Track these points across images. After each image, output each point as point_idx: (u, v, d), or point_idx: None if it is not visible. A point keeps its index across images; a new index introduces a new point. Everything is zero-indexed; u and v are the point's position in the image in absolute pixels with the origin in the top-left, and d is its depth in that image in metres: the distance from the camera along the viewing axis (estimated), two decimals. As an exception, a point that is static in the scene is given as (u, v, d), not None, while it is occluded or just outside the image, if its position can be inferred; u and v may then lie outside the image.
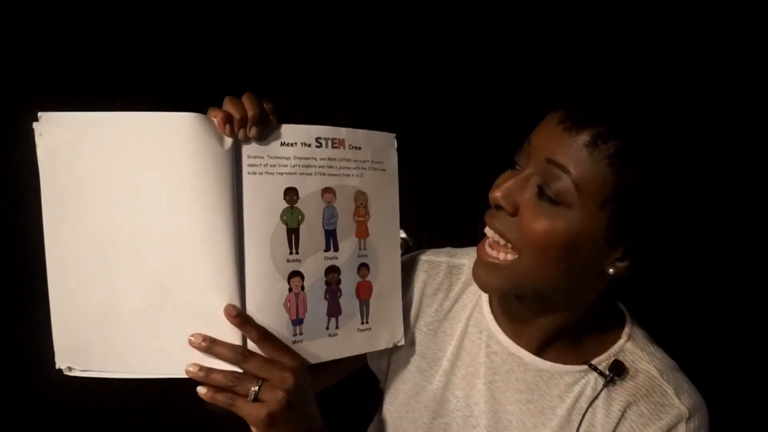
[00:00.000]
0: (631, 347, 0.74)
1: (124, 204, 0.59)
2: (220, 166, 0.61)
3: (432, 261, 0.85)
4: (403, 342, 0.78)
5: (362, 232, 0.73)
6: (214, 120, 0.60)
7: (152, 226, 0.59)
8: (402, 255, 0.79)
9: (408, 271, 0.83)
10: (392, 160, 0.76)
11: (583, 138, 0.60)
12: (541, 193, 0.62)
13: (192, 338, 0.59)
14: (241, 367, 0.61)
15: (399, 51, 1.52)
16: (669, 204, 0.63)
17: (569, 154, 0.60)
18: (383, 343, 0.76)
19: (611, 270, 0.65)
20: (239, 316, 0.61)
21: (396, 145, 0.76)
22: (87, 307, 0.59)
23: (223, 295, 0.61)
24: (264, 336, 0.62)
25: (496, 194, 0.65)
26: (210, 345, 0.60)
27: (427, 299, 0.83)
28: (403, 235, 0.87)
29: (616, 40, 1.39)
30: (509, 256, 0.66)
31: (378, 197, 0.74)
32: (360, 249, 0.72)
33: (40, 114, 0.56)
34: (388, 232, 0.75)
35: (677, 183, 0.63)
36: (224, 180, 0.61)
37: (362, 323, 0.73)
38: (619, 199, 0.60)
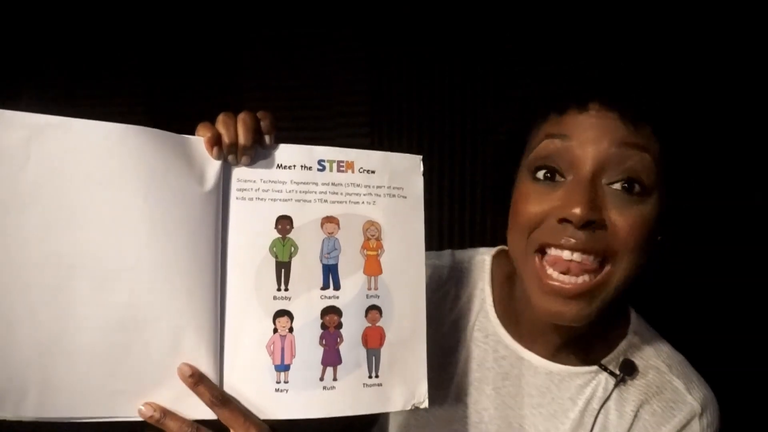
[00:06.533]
0: (638, 343, 0.73)
1: (87, 224, 0.52)
2: (205, 191, 0.56)
3: (434, 264, 0.80)
4: (426, 404, 0.64)
5: (373, 269, 0.63)
6: (202, 139, 0.56)
7: (121, 252, 0.53)
8: None
9: None
10: (416, 186, 0.65)
11: (627, 118, 0.57)
12: (625, 188, 0.58)
13: (142, 408, 0.54)
14: None
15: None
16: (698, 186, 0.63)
17: (631, 138, 0.58)
18: (399, 403, 0.63)
19: None
20: (194, 377, 0.54)
21: (422, 169, 0.65)
22: (25, 343, 0.51)
23: (200, 332, 0.55)
24: (220, 402, 0.55)
25: (581, 213, 0.57)
26: (161, 417, 0.54)
27: (430, 305, 0.75)
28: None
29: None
30: (597, 276, 0.60)
31: (396, 228, 0.64)
32: (369, 288, 0.62)
33: None
34: (410, 270, 0.64)
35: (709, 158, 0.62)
36: (209, 206, 0.56)
37: (370, 377, 0.62)
38: (667, 173, 0.59)
